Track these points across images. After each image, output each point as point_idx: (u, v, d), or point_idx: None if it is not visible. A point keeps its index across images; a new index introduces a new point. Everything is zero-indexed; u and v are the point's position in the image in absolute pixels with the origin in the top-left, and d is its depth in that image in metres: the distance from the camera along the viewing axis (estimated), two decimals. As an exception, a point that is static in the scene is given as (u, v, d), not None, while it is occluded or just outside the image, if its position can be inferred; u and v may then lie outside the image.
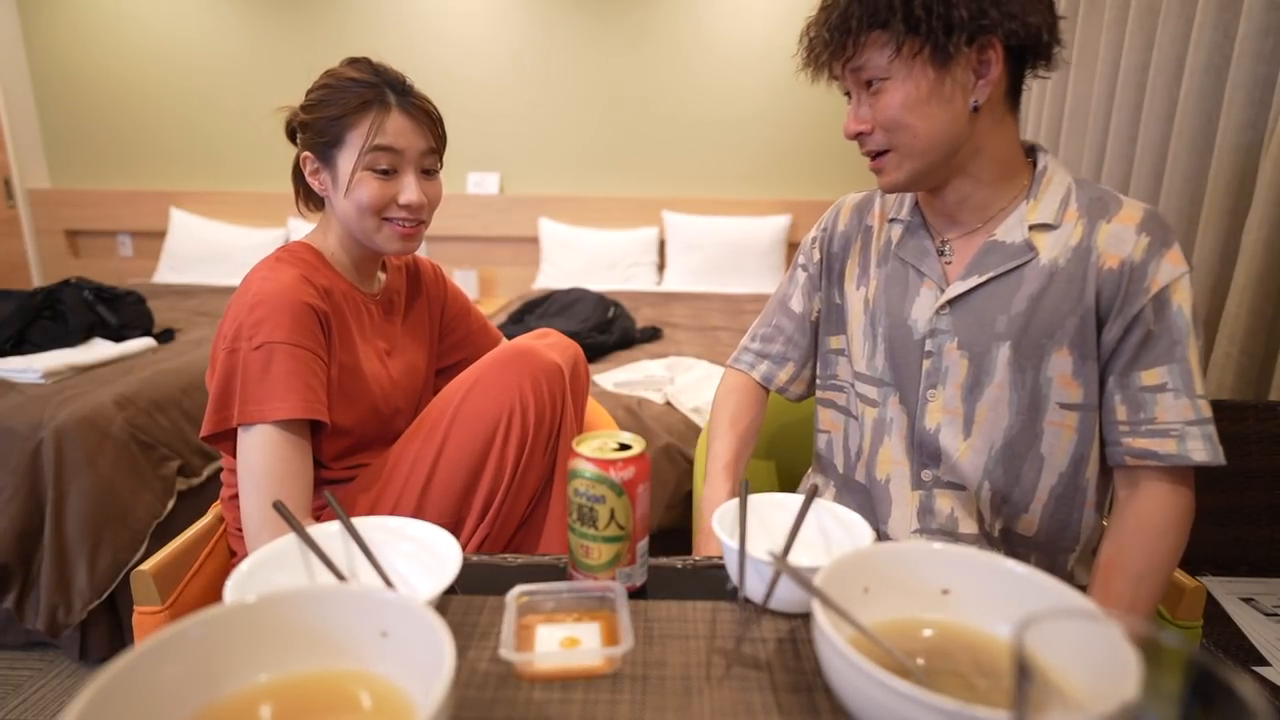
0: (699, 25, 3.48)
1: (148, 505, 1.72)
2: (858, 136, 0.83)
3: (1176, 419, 0.79)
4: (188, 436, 1.90)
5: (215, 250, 3.53)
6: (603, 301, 2.61)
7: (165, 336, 2.33)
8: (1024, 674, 0.31)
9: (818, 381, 1.04)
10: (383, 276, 1.08)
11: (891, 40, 0.77)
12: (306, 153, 0.96)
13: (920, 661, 0.53)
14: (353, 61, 0.96)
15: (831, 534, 0.74)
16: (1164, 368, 0.79)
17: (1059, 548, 0.90)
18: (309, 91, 0.96)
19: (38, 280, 3.77)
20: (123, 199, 3.72)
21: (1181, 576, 0.79)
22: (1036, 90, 2.38)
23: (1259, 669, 0.97)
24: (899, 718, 0.43)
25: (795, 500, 0.74)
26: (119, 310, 2.25)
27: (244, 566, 0.62)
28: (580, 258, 3.50)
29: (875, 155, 0.83)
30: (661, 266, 3.59)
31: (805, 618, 0.65)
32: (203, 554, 0.89)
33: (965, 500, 0.89)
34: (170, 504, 1.77)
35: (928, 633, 0.56)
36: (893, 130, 0.80)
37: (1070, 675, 0.32)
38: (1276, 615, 1.08)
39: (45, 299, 2.13)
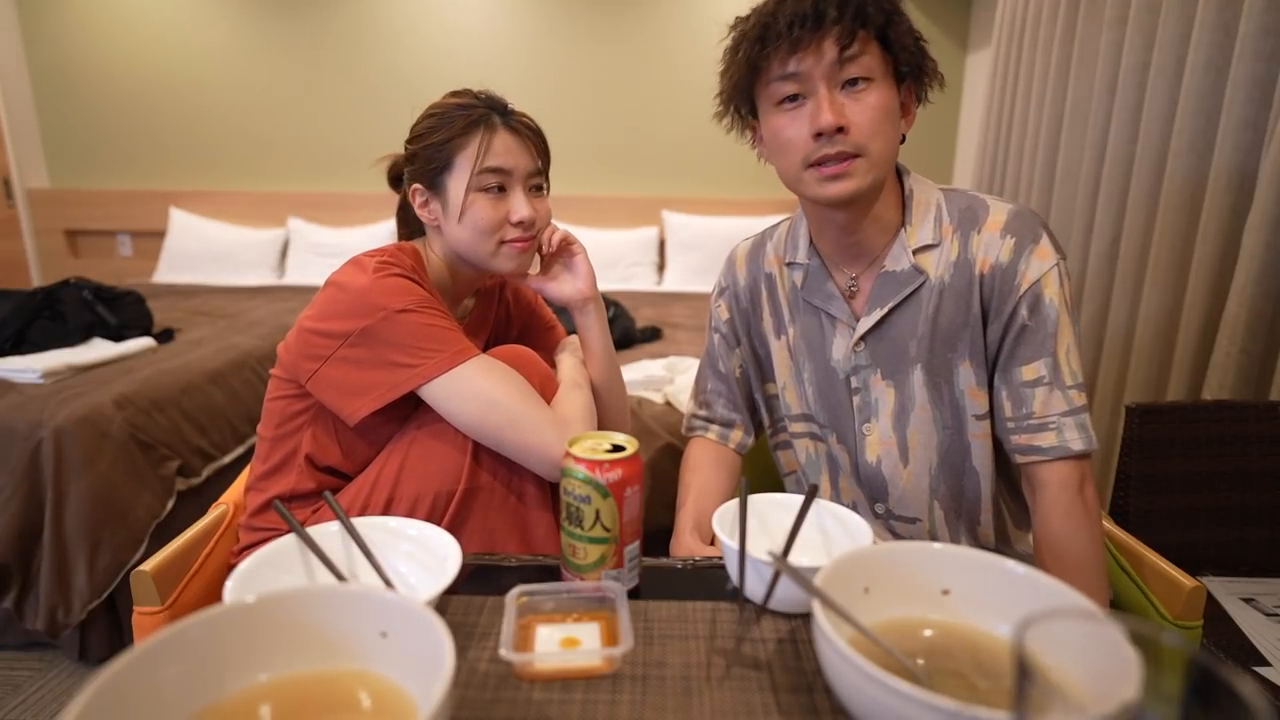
0: (699, 24, 3.48)
1: (147, 505, 1.72)
2: (837, 132, 0.77)
3: (1052, 411, 0.81)
4: (187, 436, 1.90)
5: (215, 250, 3.53)
6: (602, 301, 2.60)
7: (165, 336, 2.33)
8: (1024, 674, 0.31)
9: (769, 429, 1.06)
10: (469, 303, 1.09)
11: (881, 49, 0.78)
12: (416, 184, 0.96)
13: (920, 661, 0.53)
14: (454, 93, 0.97)
15: (831, 534, 0.74)
16: (1039, 361, 0.82)
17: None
18: (414, 125, 0.97)
19: (37, 280, 3.77)
20: (122, 199, 3.71)
21: (1181, 576, 0.79)
22: (1036, 90, 2.38)
23: (1259, 669, 0.97)
24: (899, 718, 0.43)
25: (795, 500, 0.74)
26: (118, 310, 2.25)
27: (243, 567, 0.62)
28: (580, 257, 3.50)
29: (844, 159, 0.78)
30: (661, 266, 3.59)
31: (805, 618, 0.65)
32: (203, 554, 0.89)
33: (916, 532, 0.93)
34: (170, 504, 1.77)
35: (928, 633, 0.56)
36: (872, 132, 0.77)
37: (1070, 675, 0.32)
38: (1277, 615, 1.08)
39: (44, 299, 2.12)
